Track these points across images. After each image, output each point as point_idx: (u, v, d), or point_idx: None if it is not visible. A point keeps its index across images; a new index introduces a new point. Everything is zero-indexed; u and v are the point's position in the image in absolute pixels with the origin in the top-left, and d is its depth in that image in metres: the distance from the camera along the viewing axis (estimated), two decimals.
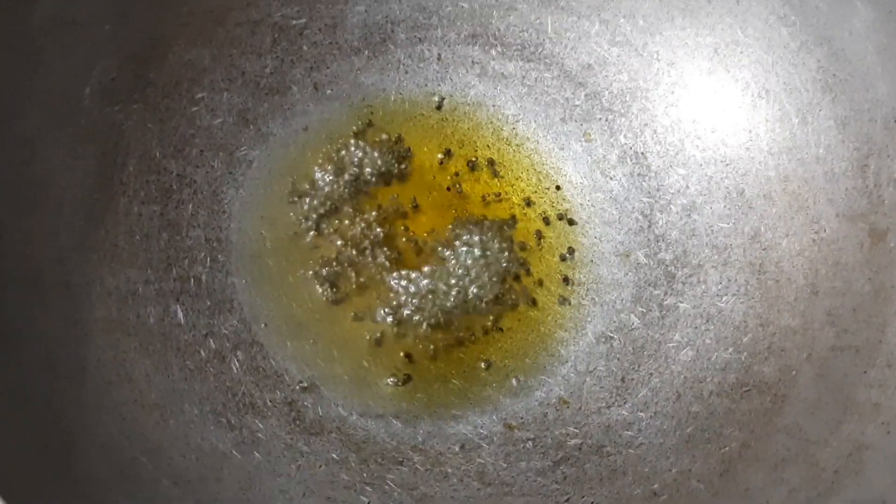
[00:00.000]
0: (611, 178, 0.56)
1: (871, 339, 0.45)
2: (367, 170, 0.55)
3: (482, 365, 0.51)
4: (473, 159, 0.56)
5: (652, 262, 0.54)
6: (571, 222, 0.55)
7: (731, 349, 0.50)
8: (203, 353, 0.49)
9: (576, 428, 0.49)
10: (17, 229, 0.46)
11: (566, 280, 0.54)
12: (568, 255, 0.54)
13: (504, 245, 0.54)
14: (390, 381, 0.50)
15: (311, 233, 0.53)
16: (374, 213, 0.54)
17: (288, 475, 0.46)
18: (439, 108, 0.57)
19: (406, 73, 0.58)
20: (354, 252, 0.53)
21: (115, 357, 0.47)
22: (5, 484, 0.37)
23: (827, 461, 0.42)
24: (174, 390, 0.47)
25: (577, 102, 0.57)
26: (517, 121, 0.57)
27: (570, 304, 0.53)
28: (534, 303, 0.53)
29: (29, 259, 0.46)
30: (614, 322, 0.53)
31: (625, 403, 0.50)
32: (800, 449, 0.44)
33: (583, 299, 0.53)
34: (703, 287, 0.52)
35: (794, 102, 0.52)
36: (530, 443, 0.49)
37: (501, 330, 0.52)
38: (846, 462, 0.42)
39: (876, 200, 0.48)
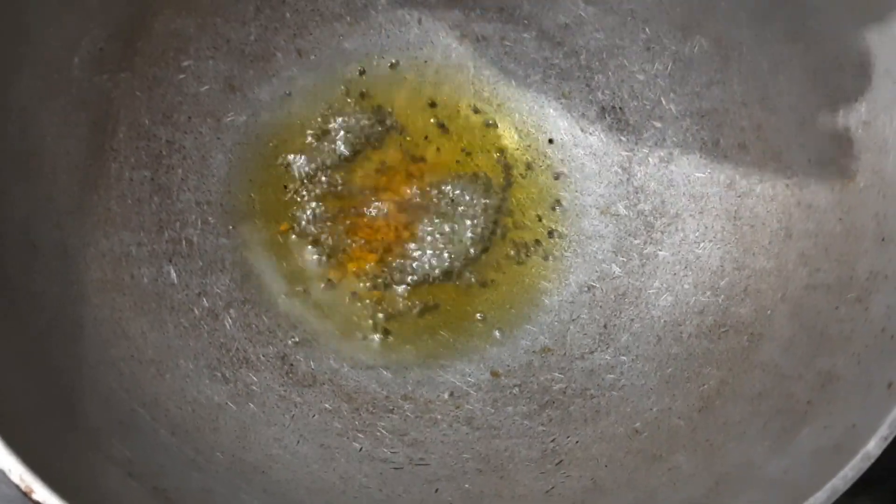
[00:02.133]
0: (590, 134, 0.57)
1: (841, 277, 0.47)
2: (351, 134, 0.56)
3: (469, 317, 0.53)
4: (456, 119, 0.57)
5: (631, 213, 0.55)
6: (556, 177, 0.56)
7: (708, 293, 0.51)
8: (196, 311, 0.50)
9: (560, 373, 0.51)
10: (15, 195, 0.47)
11: (550, 233, 0.55)
12: (555, 208, 0.55)
13: (487, 201, 0.55)
14: (379, 335, 0.51)
15: (299, 194, 0.55)
16: (359, 174, 0.55)
17: (282, 424, 0.48)
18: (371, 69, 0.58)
19: (388, 37, 0.59)
20: (341, 212, 0.55)
21: (111, 316, 0.48)
22: (11, 435, 0.38)
23: (801, 393, 0.44)
24: (169, 346, 0.48)
25: (555, 61, 0.59)
26: (497, 81, 0.59)
27: (553, 256, 0.54)
28: (518, 256, 0.54)
29: (27, 224, 0.47)
30: (596, 272, 0.54)
31: (607, 348, 0.51)
32: (775, 383, 0.46)
33: (565, 251, 0.55)
34: (682, 235, 0.54)
35: (766, 54, 0.53)
36: (517, 389, 0.50)
37: (487, 283, 0.54)
38: (819, 393, 0.43)
39: (845, 144, 0.49)
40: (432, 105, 0.58)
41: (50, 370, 0.44)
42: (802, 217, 0.50)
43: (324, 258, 0.53)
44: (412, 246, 0.54)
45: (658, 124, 0.56)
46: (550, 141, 0.57)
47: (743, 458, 0.43)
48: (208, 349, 0.49)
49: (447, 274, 0.54)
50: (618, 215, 0.55)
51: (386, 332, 0.52)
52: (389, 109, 0.57)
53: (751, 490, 0.41)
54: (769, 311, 0.49)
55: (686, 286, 0.52)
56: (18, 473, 0.35)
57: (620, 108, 0.57)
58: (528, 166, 0.57)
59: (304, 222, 0.54)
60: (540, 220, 0.55)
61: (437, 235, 0.54)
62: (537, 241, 0.55)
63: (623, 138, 0.57)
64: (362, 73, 0.58)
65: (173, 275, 0.51)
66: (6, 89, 0.48)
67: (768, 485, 0.41)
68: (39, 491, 0.35)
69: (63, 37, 0.50)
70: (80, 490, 0.36)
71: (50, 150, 0.49)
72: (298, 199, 0.55)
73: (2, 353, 0.42)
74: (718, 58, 0.55)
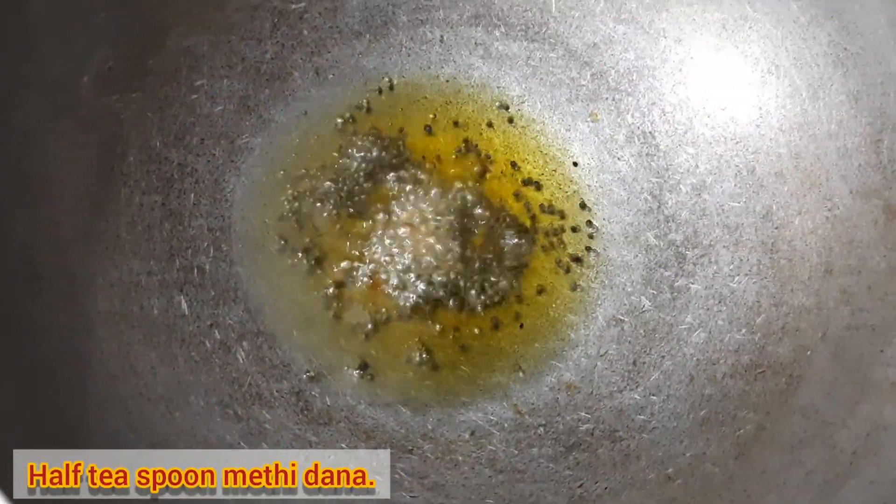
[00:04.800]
0: (619, 159, 0.55)
1: (887, 318, 0.45)
2: (371, 155, 0.54)
3: (491, 352, 0.50)
4: (478, 142, 0.55)
5: (662, 244, 0.53)
6: (583, 206, 0.54)
7: (744, 330, 0.49)
8: (208, 344, 0.48)
9: (587, 413, 0.49)
10: (19, 222, 0.45)
11: (576, 260, 0.53)
12: (581, 236, 0.53)
13: (510, 229, 0.53)
14: (398, 369, 0.49)
15: (316, 219, 0.53)
16: (378, 202, 0.53)
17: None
18: (391, 88, 0.56)
19: (408, 56, 0.57)
20: (359, 240, 0.52)
21: (119, 349, 0.46)
22: (9, 480, 0.36)
23: (844, 442, 0.42)
24: (180, 382, 0.47)
25: (583, 82, 0.56)
26: (522, 102, 0.56)
27: (580, 287, 0.52)
28: (543, 288, 0.52)
29: (31, 251, 0.45)
30: (625, 305, 0.52)
31: (637, 387, 0.49)
32: (816, 430, 0.44)
33: (592, 282, 0.52)
34: (715, 267, 0.51)
35: (805, 77, 0.51)
36: (541, 429, 0.48)
37: (510, 317, 0.51)
38: (864, 443, 0.41)
39: (890, 176, 0.47)
40: (456, 125, 0.56)
41: (55, 407, 0.43)
42: (844, 252, 0.47)
43: (341, 289, 0.51)
44: (435, 276, 0.52)
45: (690, 150, 0.54)
46: (575, 164, 0.55)
47: None
48: (220, 385, 0.47)
49: (471, 306, 0.51)
50: (648, 245, 0.53)
51: (406, 366, 0.50)
52: (408, 131, 0.55)
53: None
54: (809, 352, 0.46)
55: (720, 322, 0.50)
56: None
57: (651, 133, 0.55)
58: (553, 191, 0.54)
59: (320, 249, 0.52)
60: (565, 249, 0.53)
61: (460, 266, 0.52)
62: (564, 271, 0.53)
63: (653, 164, 0.54)
64: (381, 92, 0.56)
65: (184, 305, 0.49)
66: (11, 110, 0.46)
67: None
68: None
69: (70, 55, 0.49)
70: None
71: (56, 174, 0.48)
72: (315, 224, 0.53)
73: (4, 389, 0.41)
74: (755, 80, 0.53)
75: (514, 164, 0.55)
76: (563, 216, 0.54)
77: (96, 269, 0.47)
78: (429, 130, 0.55)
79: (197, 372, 0.47)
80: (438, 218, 0.53)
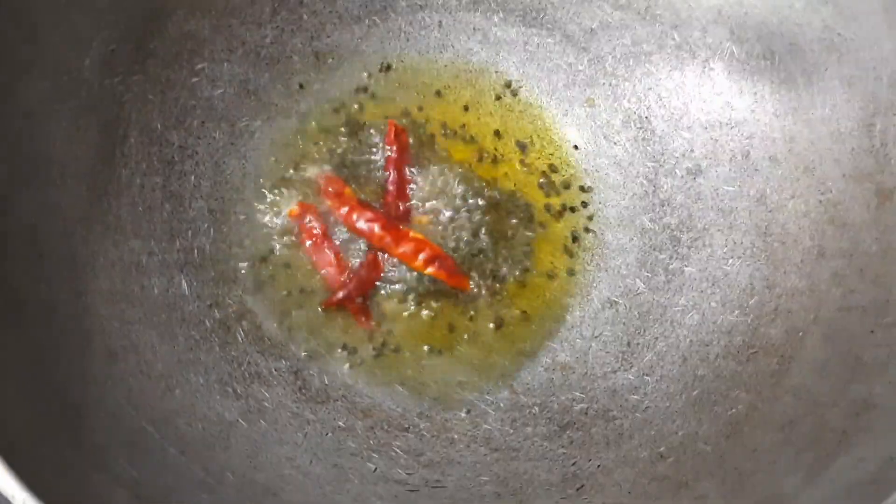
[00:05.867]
0: (615, 143, 0.56)
1: (877, 299, 0.45)
2: (370, 138, 0.55)
3: (488, 332, 0.51)
4: (475, 125, 0.56)
5: (657, 227, 0.53)
6: (581, 189, 0.55)
7: (737, 312, 0.49)
8: (208, 323, 0.49)
9: (582, 393, 0.49)
10: (22, 203, 0.46)
11: (574, 242, 0.53)
12: (578, 218, 0.54)
13: (506, 211, 0.53)
14: (396, 350, 0.50)
15: (314, 201, 0.53)
16: (377, 184, 0.54)
17: (295, 443, 0.46)
18: (390, 71, 0.56)
19: (407, 40, 0.57)
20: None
21: (120, 328, 0.47)
22: (14, 457, 0.37)
23: (835, 421, 0.42)
24: (180, 360, 0.47)
25: (580, 67, 0.57)
26: (520, 86, 0.57)
27: (575, 270, 0.53)
28: (539, 270, 0.53)
29: (34, 232, 0.46)
30: (619, 287, 0.52)
31: (631, 368, 0.50)
32: (808, 410, 0.44)
33: (588, 265, 0.53)
34: (709, 250, 0.52)
35: (800, 63, 0.51)
36: (536, 408, 0.49)
37: (507, 298, 0.52)
38: (854, 421, 0.42)
39: (882, 160, 0.48)
40: (451, 110, 0.56)
41: (55, 385, 0.43)
42: (836, 235, 0.48)
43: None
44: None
45: (686, 134, 0.54)
46: (576, 147, 0.56)
47: (773, 489, 0.41)
48: (220, 363, 0.48)
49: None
50: (643, 228, 0.53)
51: (401, 348, 0.50)
52: (406, 113, 0.56)
53: None
54: (801, 333, 0.47)
55: (713, 304, 0.50)
56: (22, 500, 0.34)
57: (647, 117, 0.55)
58: (549, 173, 0.55)
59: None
60: (562, 231, 0.54)
61: (459, 247, 0.52)
62: (561, 254, 0.53)
63: (649, 148, 0.55)
64: (380, 75, 0.56)
65: (184, 285, 0.49)
66: (13, 93, 0.46)
67: None
68: None
69: (73, 38, 0.49)
70: None
71: (58, 156, 0.48)
72: (314, 205, 0.53)
73: (6, 366, 0.41)
74: (750, 66, 0.53)
75: (511, 147, 0.55)
76: (559, 199, 0.54)
77: (98, 249, 0.48)
78: (425, 113, 0.56)
79: (197, 350, 0.48)
80: (436, 200, 0.53)
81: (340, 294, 0.50)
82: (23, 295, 0.44)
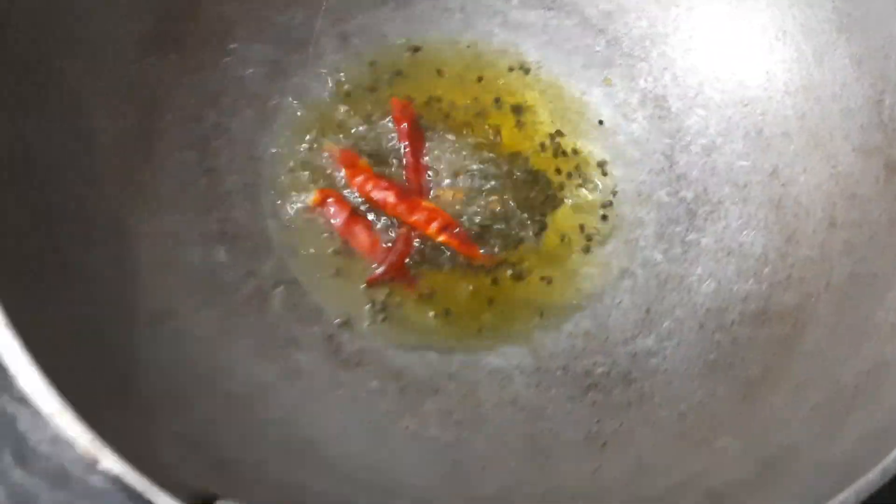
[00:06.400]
0: (632, 121, 0.58)
1: (887, 267, 0.47)
2: (391, 119, 0.57)
3: (513, 301, 0.53)
4: (498, 105, 0.58)
5: (673, 201, 0.55)
6: (599, 164, 0.57)
7: (751, 280, 0.52)
8: (245, 291, 0.51)
9: (603, 357, 0.51)
10: (69, 175, 0.47)
11: (594, 216, 0.55)
12: (598, 195, 0.56)
13: (530, 184, 0.55)
14: (427, 315, 0.52)
15: (343, 177, 0.55)
16: (402, 160, 0.56)
17: (330, 402, 0.48)
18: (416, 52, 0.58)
19: (431, 23, 0.59)
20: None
21: (162, 295, 0.48)
22: (77, 404, 0.38)
23: (847, 378, 0.44)
24: (220, 326, 0.49)
25: (597, 49, 0.59)
26: (540, 68, 0.59)
27: (596, 241, 0.55)
28: (562, 241, 0.55)
29: (80, 203, 0.47)
30: (638, 258, 0.54)
31: (650, 334, 0.52)
32: (821, 370, 0.46)
33: (608, 237, 0.55)
34: (724, 223, 0.54)
35: (811, 43, 0.53)
36: (560, 371, 0.51)
37: (530, 269, 0.54)
38: (866, 378, 0.44)
39: (891, 134, 0.50)
40: (474, 90, 0.58)
41: (104, 348, 0.45)
42: (847, 206, 0.50)
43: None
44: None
45: (701, 112, 0.57)
46: (601, 122, 0.58)
47: (789, 442, 0.43)
48: (257, 328, 0.50)
49: (491, 259, 0.54)
50: (660, 203, 0.55)
51: (433, 314, 0.52)
52: (431, 93, 0.58)
53: (798, 473, 0.41)
54: (813, 299, 0.49)
55: (729, 273, 0.52)
56: (88, 440, 0.35)
57: (663, 96, 0.58)
58: (569, 151, 0.57)
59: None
60: (583, 205, 0.56)
61: (483, 219, 0.54)
62: (580, 227, 0.55)
63: (665, 126, 0.57)
64: (405, 56, 0.59)
65: (222, 255, 0.51)
66: (58, 72, 0.48)
67: (815, 468, 0.41)
68: (107, 459, 0.35)
69: (113, 20, 0.51)
70: (142, 461, 0.37)
71: (101, 131, 0.50)
72: (343, 182, 0.55)
73: (59, 331, 0.43)
74: (763, 46, 0.55)
75: (531, 123, 0.57)
76: (581, 174, 0.56)
77: (140, 219, 0.50)
78: (446, 92, 0.58)
79: (235, 316, 0.50)
80: (461, 174, 0.55)
81: (382, 268, 0.52)
82: (72, 263, 0.46)
